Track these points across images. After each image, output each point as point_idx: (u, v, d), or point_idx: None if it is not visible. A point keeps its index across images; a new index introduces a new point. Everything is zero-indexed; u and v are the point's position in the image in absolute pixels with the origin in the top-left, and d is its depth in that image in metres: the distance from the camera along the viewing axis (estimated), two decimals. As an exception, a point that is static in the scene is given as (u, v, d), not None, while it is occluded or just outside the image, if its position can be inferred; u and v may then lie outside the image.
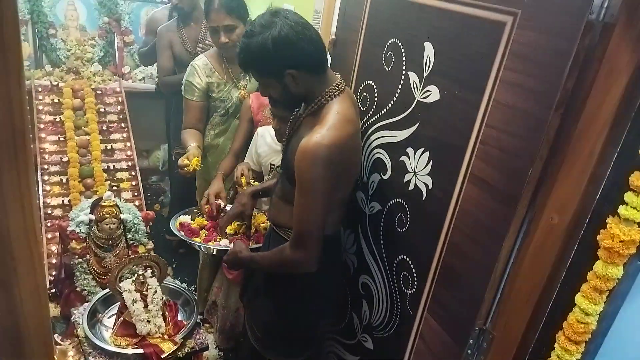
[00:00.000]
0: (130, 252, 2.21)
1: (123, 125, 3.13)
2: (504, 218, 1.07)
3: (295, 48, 1.29)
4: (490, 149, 1.11)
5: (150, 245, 2.36)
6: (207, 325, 2.47)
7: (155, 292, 1.77)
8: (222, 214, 1.97)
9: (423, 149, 1.34)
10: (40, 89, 3.05)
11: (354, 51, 1.68)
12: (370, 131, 1.59)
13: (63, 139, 2.90)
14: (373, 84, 1.59)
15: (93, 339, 1.69)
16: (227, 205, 2.02)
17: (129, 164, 3.02)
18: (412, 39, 1.38)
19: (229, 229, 1.88)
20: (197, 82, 2.22)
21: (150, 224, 2.43)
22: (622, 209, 0.88)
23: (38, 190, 2.69)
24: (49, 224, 2.64)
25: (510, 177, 1.05)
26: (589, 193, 0.94)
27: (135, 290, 1.74)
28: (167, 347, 1.70)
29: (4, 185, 0.55)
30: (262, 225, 1.90)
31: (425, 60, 1.32)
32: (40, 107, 2.98)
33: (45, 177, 2.77)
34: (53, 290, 2.34)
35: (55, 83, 3.10)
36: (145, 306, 1.73)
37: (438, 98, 1.28)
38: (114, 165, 2.96)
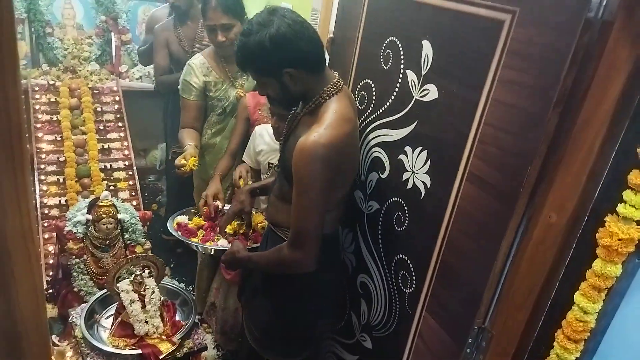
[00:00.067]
0: (127, 252, 2.20)
1: (120, 124, 3.12)
2: (503, 216, 1.06)
3: (293, 47, 1.29)
4: (489, 147, 1.10)
5: (148, 245, 2.36)
6: (205, 325, 2.46)
7: (153, 292, 1.77)
8: (220, 215, 1.97)
9: (421, 147, 1.34)
10: (37, 88, 3.04)
11: (352, 50, 1.68)
12: (368, 130, 1.59)
13: (60, 139, 2.89)
14: (371, 82, 1.59)
15: (91, 339, 1.69)
16: (225, 206, 2.02)
17: (126, 163, 3.01)
18: (410, 37, 1.37)
19: (229, 229, 1.87)
20: (194, 81, 2.21)
21: (148, 223, 2.42)
22: (620, 207, 0.88)
23: (35, 190, 2.68)
24: (45, 224, 2.63)
25: (509, 175, 1.05)
26: (587, 191, 0.95)
27: (132, 290, 1.74)
28: (165, 348, 1.70)
29: (0, 185, 0.55)
30: (259, 224, 1.90)
31: (424, 59, 1.31)
32: (37, 107, 2.97)
33: (42, 177, 2.76)
34: (50, 291, 2.32)
35: (52, 82, 3.09)
36: (143, 306, 1.73)
37: (436, 96, 1.28)
38: (111, 165, 2.95)
